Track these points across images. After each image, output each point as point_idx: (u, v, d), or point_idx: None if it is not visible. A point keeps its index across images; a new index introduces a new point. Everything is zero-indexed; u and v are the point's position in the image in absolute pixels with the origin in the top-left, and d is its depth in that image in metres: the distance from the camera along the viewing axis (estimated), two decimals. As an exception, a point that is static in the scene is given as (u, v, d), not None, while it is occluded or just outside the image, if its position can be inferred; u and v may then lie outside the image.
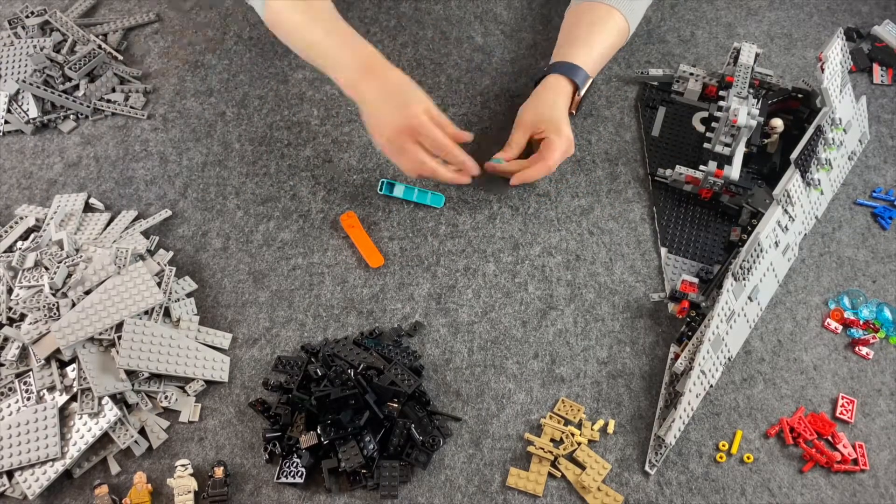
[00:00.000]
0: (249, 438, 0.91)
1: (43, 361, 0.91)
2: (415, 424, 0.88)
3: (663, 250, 1.05)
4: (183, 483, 0.86)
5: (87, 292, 0.95)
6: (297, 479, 0.87)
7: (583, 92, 1.10)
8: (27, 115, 1.16)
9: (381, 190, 1.10)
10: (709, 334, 0.92)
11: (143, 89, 1.20)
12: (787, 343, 0.98)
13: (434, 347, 0.98)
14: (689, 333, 0.96)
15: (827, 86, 1.04)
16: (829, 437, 0.91)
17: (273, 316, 1.00)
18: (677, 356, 0.95)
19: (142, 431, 0.91)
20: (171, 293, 0.99)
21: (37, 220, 1.05)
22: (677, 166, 1.08)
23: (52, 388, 0.90)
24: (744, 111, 1.02)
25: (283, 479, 0.87)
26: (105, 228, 1.05)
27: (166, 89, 1.21)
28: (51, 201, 1.09)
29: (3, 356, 0.92)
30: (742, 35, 1.29)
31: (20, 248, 1.00)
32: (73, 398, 0.90)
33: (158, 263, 1.00)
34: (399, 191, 1.09)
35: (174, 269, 1.01)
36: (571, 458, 0.90)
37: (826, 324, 1.00)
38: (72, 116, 1.17)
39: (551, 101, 1.06)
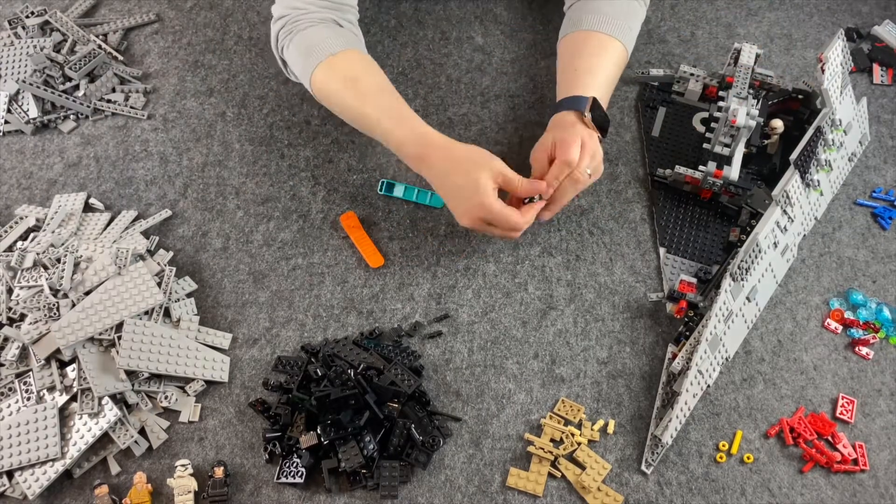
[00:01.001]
0: (249, 438, 0.91)
1: (43, 361, 0.91)
2: (415, 424, 0.88)
3: (662, 250, 1.05)
4: (183, 483, 0.86)
5: (88, 292, 0.95)
6: (297, 479, 0.87)
7: (587, 112, 0.98)
8: (27, 115, 1.16)
9: (381, 190, 1.10)
10: (706, 334, 0.92)
11: (143, 89, 1.21)
12: (787, 343, 0.99)
13: (434, 347, 0.98)
14: (687, 333, 0.96)
15: (827, 87, 1.04)
16: (829, 438, 0.91)
17: (273, 316, 1.00)
18: (675, 356, 0.95)
19: (142, 431, 0.91)
20: (171, 293, 0.99)
21: (37, 220, 1.05)
22: (677, 166, 1.08)
23: (52, 388, 0.90)
24: (743, 111, 1.02)
25: (283, 479, 0.87)
26: (105, 228, 1.05)
27: (166, 89, 1.21)
28: (51, 201, 1.09)
29: (3, 356, 0.92)
30: (742, 35, 1.29)
31: (20, 248, 1.00)
32: (73, 398, 0.90)
33: (158, 263, 1.01)
34: (399, 191, 1.09)
35: (174, 269, 1.01)
36: (571, 458, 0.90)
37: (826, 324, 1.00)
38: (72, 116, 1.17)
39: (563, 128, 0.98)
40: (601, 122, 1.00)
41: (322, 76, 1.01)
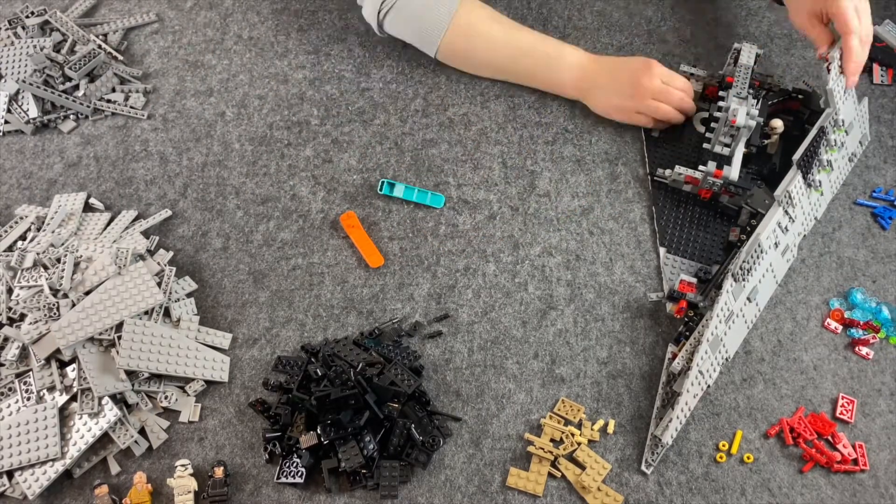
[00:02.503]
0: (249, 438, 0.91)
1: (43, 361, 0.91)
2: (415, 424, 0.88)
3: (662, 250, 1.05)
4: (183, 483, 0.86)
5: (88, 292, 0.95)
6: (297, 479, 0.87)
7: None
8: (27, 115, 1.16)
9: (381, 190, 1.10)
10: (707, 335, 0.92)
11: (143, 89, 1.21)
12: (787, 343, 0.99)
13: (434, 347, 0.98)
14: (687, 333, 0.96)
15: (832, 87, 1.04)
16: (829, 438, 0.91)
17: (273, 316, 1.00)
18: (675, 356, 0.95)
19: (142, 431, 0.91)
20: (171, 293, 0.99)
21: (37, 219, 1.05)
22: (677, 166, 1.08)
23: (52, 388, 0.90)
24: (742, 111, 1.02)
25: (283, 479, 0.87)
26: (105, 228, 1.05)
27: (166, 89, 1.21)
28: (51, 201, 1.09)
29: (3, 356, 0.92)
30: (742, 35, 1.28)
31: (20, 248, 1.00)
32: (73, 398, 0.90)
33: (158, 263, 1.01)
34: (399, 191, 1.09)
35: (174, 269, 1.01)
36: (571, 458, 0.90)
37: (826, 324, 1.00)
38: (72, 116, 1.17)
39: None
40: None
41: (469, 15, 1.09)
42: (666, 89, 1.09)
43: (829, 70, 1.04)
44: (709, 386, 0.94)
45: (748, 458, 0.90)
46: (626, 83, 1.09)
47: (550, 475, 0.89)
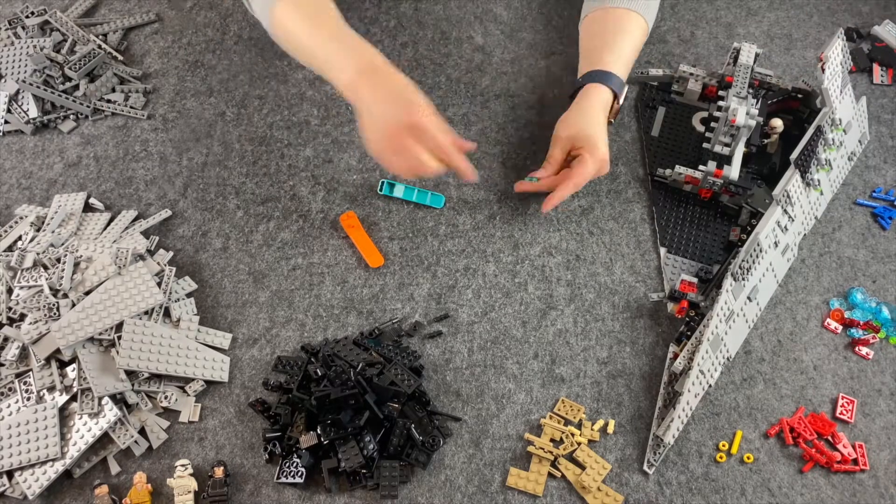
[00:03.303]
0: (249, 438, 0.91)
1: (43, 361, 0.91)
2: (415, 424, 0.88)
3: (662, 250, 1.05)
4: (183, 483, 0.86)
5: (88, 292, 0.95)
6: (297, 479, 0.87)
7: (622, 100, 1.07)
8: (27, 115, 1.16)
9: (381, 190, 1.10)
10: (708, 334, 0.92)
11: (143, 89, 1.20)
12: (787, 343, 0.99)
13: (434, 347, 0.98)
14: (688, 333, 0.96)
15: (827, 86, 1.04)
16: (829, 437, 0.91)
17: (273, 316, 1.00)
18: (676, 356, 0.95)
19: (142, 431, 0.91)
20: (171, 293, 0.99)
21: (37, 219, 1.05)
22: (677, 166, 1.08)
23: (52, 388, 0.90)
24: (742, 111, 1.02)
25: (283, 479, 0.87)
26: (105, 228, 1.05)
27: (166, 89, 1.21)
28: (51, 201, 1.09)
29: (3, 356, 0.92)
30: (742, 35, 1.29)
31: (20, 248, 1.00)
32: (73, 398, 0.90)
33: (158, 263, 1.01)
34: (399, 191, 1.09)
35: (174, 269, 1.01)
36: (571, 458, 0.90)
37: (826, 324, 1.00)
38: (72, 116, 1.17)
39: (590, 115, 1.03)
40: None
41: (282, 13, 0.96)
42: (426, 140, 0.91)
43: (823, 70, 1.04)
44: (710, 385, 0.94)
45: (748, 458, 0.90)
46: (384, 124, 0.91)
47: (550, 475, 0.89)
